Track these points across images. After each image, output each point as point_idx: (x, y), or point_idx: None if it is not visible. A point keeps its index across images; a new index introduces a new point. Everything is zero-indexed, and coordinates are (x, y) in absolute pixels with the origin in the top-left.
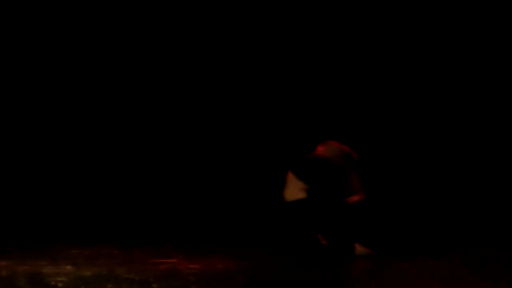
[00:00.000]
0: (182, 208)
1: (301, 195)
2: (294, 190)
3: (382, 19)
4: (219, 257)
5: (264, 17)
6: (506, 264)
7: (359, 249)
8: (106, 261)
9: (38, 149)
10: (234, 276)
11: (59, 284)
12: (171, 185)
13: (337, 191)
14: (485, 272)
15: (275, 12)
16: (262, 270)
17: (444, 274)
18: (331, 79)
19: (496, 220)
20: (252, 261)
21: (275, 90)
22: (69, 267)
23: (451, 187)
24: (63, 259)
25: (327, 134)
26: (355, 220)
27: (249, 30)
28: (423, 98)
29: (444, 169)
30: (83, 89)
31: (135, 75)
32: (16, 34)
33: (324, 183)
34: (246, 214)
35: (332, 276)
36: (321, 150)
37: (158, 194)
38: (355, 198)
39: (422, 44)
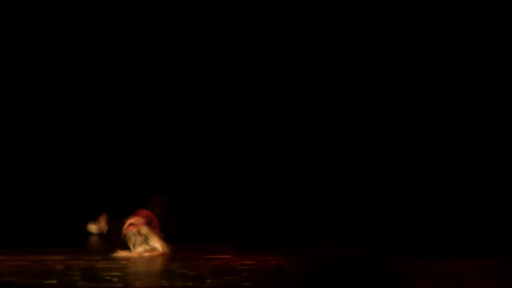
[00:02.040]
0: (234, 205)
1: None
2: None
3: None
4: (272, 254)
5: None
6: None
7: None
8: (160, 257)
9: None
10: (287, 272)
11: (114, 279)
12: (223, 182)
13: None
14: None
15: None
16: (314, 267)
17: (501, 273)
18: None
19: None
20: (305, 258)
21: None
22: (123, 262)
23: (477, 185)
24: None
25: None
26: None
27: None
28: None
29: (465, 167)
30: (83, 88)
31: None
32: (16, 34)
33: None
34: (299, 211)
35: (385, 275)
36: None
37: (212, 190)
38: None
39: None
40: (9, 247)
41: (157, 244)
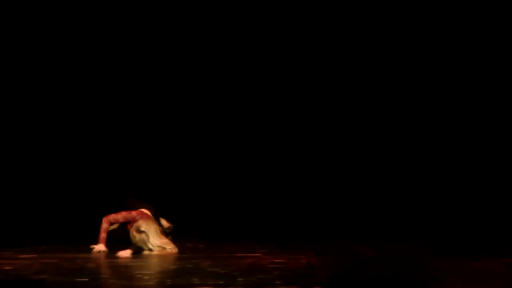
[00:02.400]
0: (266, 204)
1: None
2: None
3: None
4: (303, 252)
5: None
6: None
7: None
8: (191, 255)
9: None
10: (317, 271)
11: (145, 277)
12: (255, 181)
13: None
14: None
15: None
16: (345, 265)
17: None
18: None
19: None
20: (336, 256)
21: None
22: (154, 260)
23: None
24: (149, 253)
25: None
26: None
27: None
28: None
29: (498, 168)
30: (84, 88)
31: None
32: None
33: None
34: (330, 209)
35: (416, 274)
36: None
37: (244, 189)
38: None
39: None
40: (39, 245)
41: (158, 243)
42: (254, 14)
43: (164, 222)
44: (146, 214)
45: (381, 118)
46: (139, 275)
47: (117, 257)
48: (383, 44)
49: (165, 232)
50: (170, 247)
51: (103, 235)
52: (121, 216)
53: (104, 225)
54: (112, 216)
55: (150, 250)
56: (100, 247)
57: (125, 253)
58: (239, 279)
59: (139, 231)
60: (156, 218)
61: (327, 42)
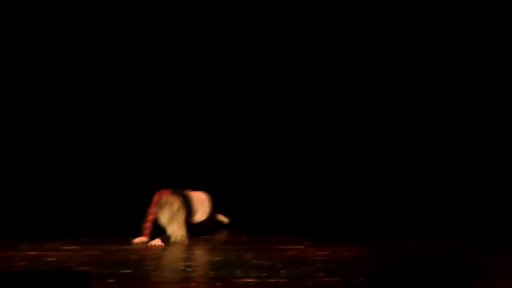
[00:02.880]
0: (308, 195)
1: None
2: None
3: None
4: (347, 244)
5: None
6: None
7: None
8: (234, 247)
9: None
10: (361, 263)
11: (188, 269)
12: (299, 172)
13: None
14: None
15: None
16: (389, 257)
17: None
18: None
19: None
20: (378, 249)
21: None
22: (198, 252)
23: None
24: (192, 244)
25: None
26: None
27: None
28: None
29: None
30: (86, 88)
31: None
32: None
33: None
34: (374, 202)
35: (460, 266)
36: None
37: (287, 180)
38: None
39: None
40: (82, 237)
41: (177, 228)
42: (255, 14)
43: (222, 217)
44: (168, 192)
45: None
46: (182, 267)
47: (160, 248)
48: (383, 44)
49: (192, 225)
50: (178, 234)
51: (147, 225)
52: (152, 208)
53: (150, 216)
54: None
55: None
56: (142, 239)
57: (156, 242)
58: (282, 271)
59: (171, 204)
60: (186, 204)
61: (327, 42)
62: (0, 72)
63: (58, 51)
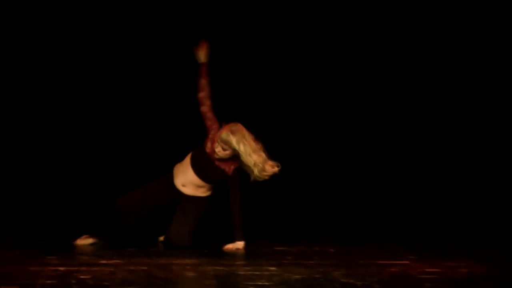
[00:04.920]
0: (412, 200)
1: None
2: None
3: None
4: (463, 259)
5: None
6: None
7: None
8: (319, 262)
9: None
10: (482, 283)
11: None
12: (403, 174)
13: None
14: None
15: None
16: None
17: None
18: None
19: None
20: (505, 265)
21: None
22: (272, 268)
23: None
24: (265, 259)
25: None
26: None
27: None
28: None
29: None
30: (87, 87)
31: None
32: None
33: None
34: (488, 204)
35: None
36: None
37: (387, 182)
38: None
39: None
40: (126, 248)
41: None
42: (256, 14)
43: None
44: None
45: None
46: (251, 287)
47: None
48: (383, 44)
49: None
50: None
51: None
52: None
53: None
54: None
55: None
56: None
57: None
58: None
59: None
60: None
61: (327, 42)
62: None
63: (58, 51)
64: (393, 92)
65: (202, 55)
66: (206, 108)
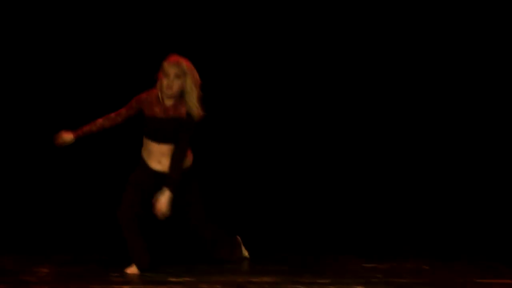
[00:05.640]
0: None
1: None
2: None
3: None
4: None
5: None
6: None
7: None
8: (410, 280)
9: None
10: None
11: None
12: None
13: None
14: None
15: None
16: None
17: None
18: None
19: None
20: None
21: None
22: (360, 287)
23: None
24: (352, 277)
25: None
26: None
27: None
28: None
29: None
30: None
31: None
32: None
33: None
34: None
35: None
36: None
37: (486, 192)
38: None
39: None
40: (196, 264)
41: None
42: (256, 13)
43: None
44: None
45: None
46: None
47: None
48: (383, 44)
49: None
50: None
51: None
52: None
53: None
54: None
55: None
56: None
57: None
58: None
59: None
60: None
61: (327, 41)
62: None
63: (58, 52)
64: (398, 94)
65: (68, 139)
66: (118, 116)
